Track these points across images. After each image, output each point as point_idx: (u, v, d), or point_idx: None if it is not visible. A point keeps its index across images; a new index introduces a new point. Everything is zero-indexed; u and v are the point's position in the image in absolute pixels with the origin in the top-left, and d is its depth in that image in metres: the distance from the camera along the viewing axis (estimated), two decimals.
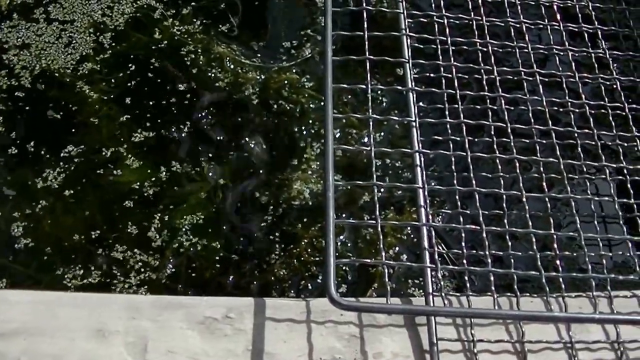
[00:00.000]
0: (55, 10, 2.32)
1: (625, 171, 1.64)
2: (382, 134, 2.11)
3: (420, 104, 1.98)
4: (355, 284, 1.87)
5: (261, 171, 2.06)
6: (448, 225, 1.69)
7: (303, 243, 1.93)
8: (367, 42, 1.71)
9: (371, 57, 1.69)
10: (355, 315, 1.42)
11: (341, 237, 1.93)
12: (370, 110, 1.62)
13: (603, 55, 1.82)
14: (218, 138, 2.11)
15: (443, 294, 1.43)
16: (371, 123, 1.61)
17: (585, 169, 1.66)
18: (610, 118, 1.71)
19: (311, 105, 2.17)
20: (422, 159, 1.59)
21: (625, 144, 1.68)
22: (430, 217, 1.52)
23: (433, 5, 1.86)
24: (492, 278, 1.43)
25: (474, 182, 1.55)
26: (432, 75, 1.77)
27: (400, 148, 1.64)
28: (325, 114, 1.53)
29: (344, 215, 1.95)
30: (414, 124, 1.63)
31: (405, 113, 1.67)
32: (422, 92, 1.74)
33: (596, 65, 1.80)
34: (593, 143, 1.66)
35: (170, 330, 1.39)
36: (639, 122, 1.74)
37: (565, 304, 1.46)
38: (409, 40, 1.76)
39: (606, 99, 1.75)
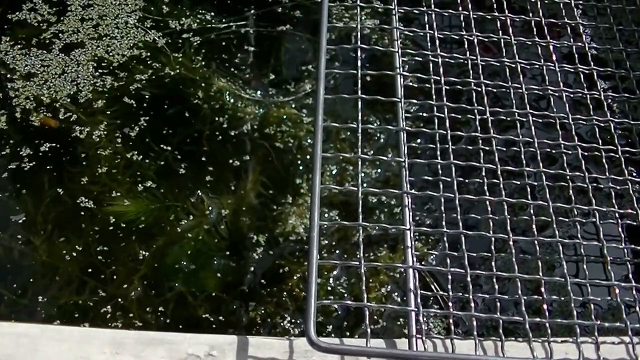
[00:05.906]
0: (59, 43, 2.35)
1: (616, 215, 1.62)
2: (379, 170, 2.11)
3: (417, 141, 1.98)
4: (345, 324, 1.86)
5: (256, 205, 2.06)
6: (433, 268, 1.68)
7: (295, 278, 1.93)
8: (360, 80, 1.72)
9: (363, 95, 1.69)
10: (338, 357, 1.41)
11: (334, 276, 1.93)
12: (360, 150, 1.62)
13: (598, 96, 1.80)
14: (215, 171, 2.12)
15: (424, 337, 1.41)
16: (359, 162, 1.62)
17: (575, 212, 1.64)
18: (604, 160, 1.69)
19: (309, 141, 2.17)
20: (410, 200, 1.58)
21: (618, 187, 1.67)
22: (415, 259, 1.51)
23: (429, 44, 1.86)
24: (474, 322, 1.42)
25: (460, 224, 1.55)
26: (425, 114, 1.77)
27: (390, 189, 1.63)
28: (314, 152, 1.54)
29: (337, 252, 1.95)
30: (403, 164, 1.62)
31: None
32: (416, 131, 1.74)
33: (591, 106, 1.78)
34: (585, 185, 1.65)
35: None
36: (632, 165, 1.72)
37: (551, 349, 1.43)
38: (402, 79, 1.76)
39: (600, 141, 1.73)
